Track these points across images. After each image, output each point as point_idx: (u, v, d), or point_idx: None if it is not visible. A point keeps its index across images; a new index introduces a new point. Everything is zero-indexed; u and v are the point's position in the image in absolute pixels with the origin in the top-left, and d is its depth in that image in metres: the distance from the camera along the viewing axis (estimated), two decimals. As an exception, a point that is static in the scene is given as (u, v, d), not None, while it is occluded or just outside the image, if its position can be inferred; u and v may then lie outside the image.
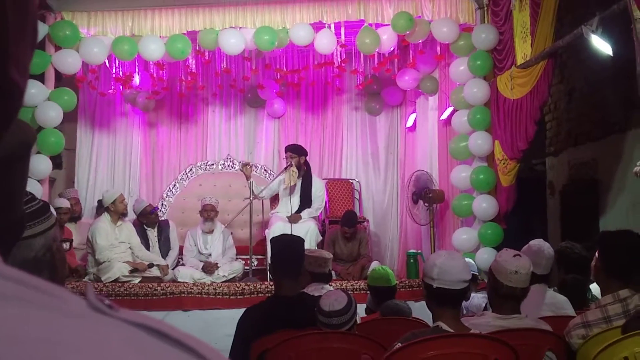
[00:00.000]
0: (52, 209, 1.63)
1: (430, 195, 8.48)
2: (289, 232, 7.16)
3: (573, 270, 4.71)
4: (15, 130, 0.63)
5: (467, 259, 5.73)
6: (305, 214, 8.14)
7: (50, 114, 7.82)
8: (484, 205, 7.85)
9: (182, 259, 8.43)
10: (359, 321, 3.65)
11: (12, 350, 0.38)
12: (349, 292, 3.60)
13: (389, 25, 8.08)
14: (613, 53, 6.05)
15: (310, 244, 7.31)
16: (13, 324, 0.39)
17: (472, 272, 5.41)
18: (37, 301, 0.42)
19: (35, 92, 7.66)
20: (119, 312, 0.44)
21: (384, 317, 4.48)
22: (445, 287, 2.90)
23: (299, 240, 4.17)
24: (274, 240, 4.23)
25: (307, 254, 4.61)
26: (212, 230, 8.34)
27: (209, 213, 8.32)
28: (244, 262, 8.21)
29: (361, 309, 5.33)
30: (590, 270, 3.90)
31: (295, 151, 8.28)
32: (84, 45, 8.01)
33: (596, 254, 3.47)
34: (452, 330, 2.88)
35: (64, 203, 8.15)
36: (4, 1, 0.51)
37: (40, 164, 7.75)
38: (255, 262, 8.19)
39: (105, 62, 8.57)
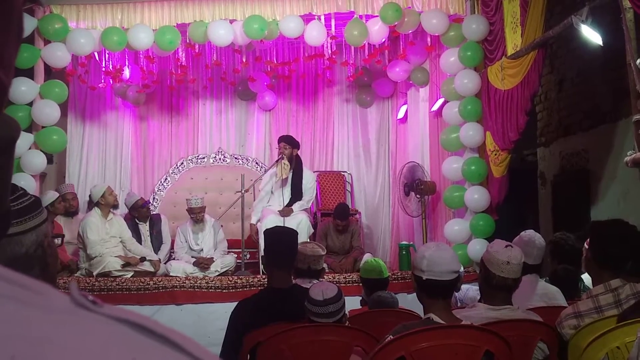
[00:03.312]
0: (46, 204, 1.62)
1: (422, 186, 8.48)
2: (282, 225, 7.15)
3: (566, 261, 4.73)
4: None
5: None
6: (296, 206, 8.14)
7: (46, 110, 7.90)
8: (476, 196, 7.85)
9: (174, 253, 8.39)
10: (347, 315, 3.64)
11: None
12: (341, 285, 3.59)
13: (379, 16, 8.06)
14: (603, 43, 6.06)
15: (302, 236, 7.30)
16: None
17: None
18: (19, 297, 0.41)
19: (25, 89, 7.69)
20: (102, 307, 0.44)
21: (373, 310, 4.47)
22: (435, 279, 2.90)
23: (292, 232, 4.17)
24: (267, 232, 4.22)
25: (304, 252, 4.38)
26: (203, 228, 8.29)
27: (197, 215, 8.21)
28: (236, 255, 8.20)
29: (354, 302, 5.34)
30: (581, 262, 3.91)
31: (290, 142, 8.27)
32: (71, 37, 7.96)
33: (586, 243, 3.47)
34: (443, 322, 2.88)
35: (55, 195, 8.12)
36: None
37: (36, 159, 7.85)
38: (248, 256, 8.18)
39: (95, 55, 8.54)
